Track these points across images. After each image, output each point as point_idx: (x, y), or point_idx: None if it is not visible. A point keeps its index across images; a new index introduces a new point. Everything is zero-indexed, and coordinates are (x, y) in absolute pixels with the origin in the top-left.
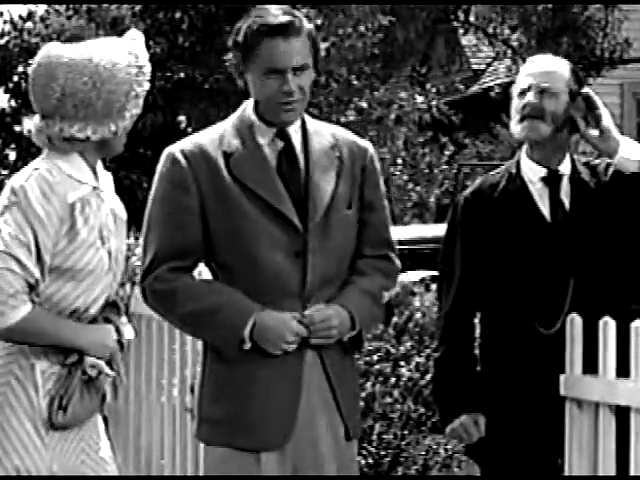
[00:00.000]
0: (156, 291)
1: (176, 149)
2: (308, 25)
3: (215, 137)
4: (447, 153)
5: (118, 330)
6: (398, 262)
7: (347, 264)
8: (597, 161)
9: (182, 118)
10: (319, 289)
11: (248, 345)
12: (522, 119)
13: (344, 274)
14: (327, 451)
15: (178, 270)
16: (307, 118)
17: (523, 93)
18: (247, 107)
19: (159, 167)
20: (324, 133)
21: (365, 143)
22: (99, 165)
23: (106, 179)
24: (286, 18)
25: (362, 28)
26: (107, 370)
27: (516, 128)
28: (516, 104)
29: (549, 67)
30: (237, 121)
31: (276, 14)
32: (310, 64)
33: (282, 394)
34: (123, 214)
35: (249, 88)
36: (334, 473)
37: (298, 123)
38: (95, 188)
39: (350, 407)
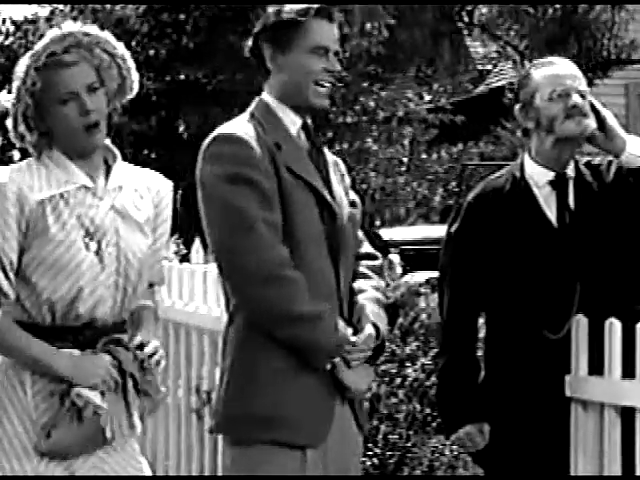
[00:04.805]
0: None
1: (235, 130)
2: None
3: (254, 126)
4: (454, 150)
5: (119, 360)
6: (378, 253)
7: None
8: (597, 161)
9: (182, 122)
10: (345, 287)
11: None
12: (568, 117)
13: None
14: (354, 444)
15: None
16: None
17: (563, 95)
18: (264, 103)
19: (214, 149)
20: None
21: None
22: (118, 167)
23: (123, 180)
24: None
25: (367, 26)
26: (97, 401)
27: (565, 126)
28: (556, 106)
29: (574, 70)
30: (264, 116)
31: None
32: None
33: (320, 387)
34: (136, 213)
35: (279, 70)
36: (356, 466)
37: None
38: (86, 187)
39: (361, 403)
